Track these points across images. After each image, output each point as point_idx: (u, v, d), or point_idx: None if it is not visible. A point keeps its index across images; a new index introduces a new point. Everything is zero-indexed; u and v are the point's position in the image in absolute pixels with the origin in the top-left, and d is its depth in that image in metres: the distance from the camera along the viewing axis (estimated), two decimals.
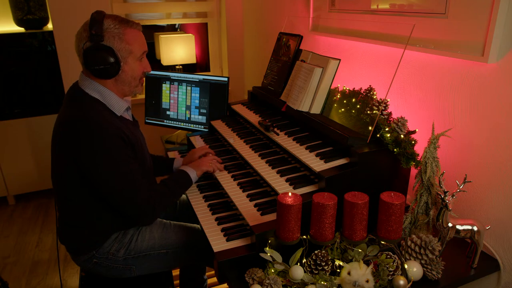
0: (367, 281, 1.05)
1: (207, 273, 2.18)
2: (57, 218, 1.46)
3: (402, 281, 1.06)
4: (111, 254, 1.42)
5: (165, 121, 2.35)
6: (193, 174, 1.52)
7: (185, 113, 2.27)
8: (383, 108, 1.37)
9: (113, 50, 1.30)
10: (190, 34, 3.10)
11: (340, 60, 1.55)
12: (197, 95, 2.22)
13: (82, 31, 1.32)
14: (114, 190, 1.30)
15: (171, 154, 2.02)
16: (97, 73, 1.31)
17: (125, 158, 1.31)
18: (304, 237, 1.15)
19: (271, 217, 1.26)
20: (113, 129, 1.28)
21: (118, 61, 1.31)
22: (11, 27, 3.16)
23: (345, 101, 1.52)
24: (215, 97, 2.18)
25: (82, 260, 1.44)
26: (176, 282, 2.02)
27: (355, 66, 1.84)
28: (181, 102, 2.27)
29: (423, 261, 1.16)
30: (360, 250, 1.14)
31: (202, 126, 2.24)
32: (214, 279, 2.15)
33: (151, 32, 3.51)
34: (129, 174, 1.31)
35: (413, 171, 1.34)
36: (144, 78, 1.45)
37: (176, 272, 2.08)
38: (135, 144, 1.38)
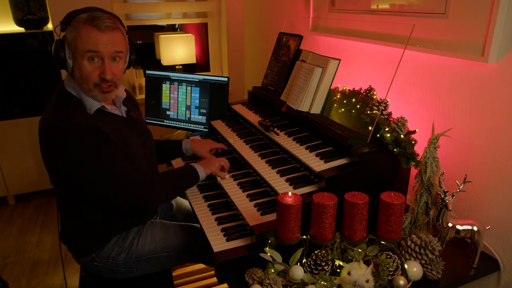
0: (367, 281, 1.05)
1: (206, 273, 2.19)
2: (58, 219, 1.46)
3: (402, 281, 1.06)
4: (111, 258, 1.41)
5: (165, 121, 2.35)
6: (201, 171, 1.48)
7: (185, 113, 2.27)
8: (383, 108, 1.37)
9: (64, 41, 1.23)
10: (190, 34, 3.10)
11: (340, 60, 1.55)
12: (197, 95, 2.22)
13: None
14: (104, 185, 1.26)
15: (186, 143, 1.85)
16: (56, 63, 1.26)
17: (105, 154, 1.25)
18: (304, 237, 1.15)
19: (271, 217, 1.26)
20: (87, 127, 1.22)
21: (64, 52, 1.23)
22: (11, 27, 3.15)
23: (345, 101, 1.52)
24: (215, 97, 2.18)
25: (83, 262, 1.44)
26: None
27: (355, 66, 1.84)
28: (181, 102, 2.27)
29: (423, 261, 1.16)
30: (360, 250, 1.14)
31: (202, 126, 2.24)
32: (214, 279, 2.15)
33: (151, 32, 3.51)
34: (112, 168, 1.26)
35: (413, 171, 1.34)
36: (104, 86, 1.25)
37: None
38: (116, 139, 1.29)
